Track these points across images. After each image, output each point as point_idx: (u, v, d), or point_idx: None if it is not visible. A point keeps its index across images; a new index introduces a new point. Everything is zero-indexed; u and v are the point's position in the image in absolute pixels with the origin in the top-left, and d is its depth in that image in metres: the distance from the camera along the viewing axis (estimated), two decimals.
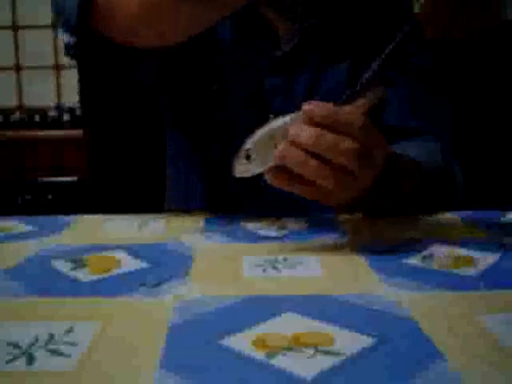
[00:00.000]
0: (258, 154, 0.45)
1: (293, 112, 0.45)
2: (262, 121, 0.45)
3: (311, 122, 0.43)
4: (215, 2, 0.54)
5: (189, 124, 0.77)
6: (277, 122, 0.45)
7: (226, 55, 0.72)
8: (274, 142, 0.44)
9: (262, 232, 0.55)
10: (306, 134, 0.42)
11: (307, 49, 0.72)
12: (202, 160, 0.77)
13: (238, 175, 0.46)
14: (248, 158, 0.45)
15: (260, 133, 0.45)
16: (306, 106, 0.43)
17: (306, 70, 0.72)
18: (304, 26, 0.71)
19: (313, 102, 0.43)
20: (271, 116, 0.46)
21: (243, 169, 0.46)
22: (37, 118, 2.61)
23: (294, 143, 0.42)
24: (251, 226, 0.58)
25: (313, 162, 0.42)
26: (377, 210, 0.59)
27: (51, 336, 0.31)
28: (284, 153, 0.43)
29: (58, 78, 2.75)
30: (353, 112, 0.44)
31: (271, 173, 0.44)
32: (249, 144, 0.45)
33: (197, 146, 0.76)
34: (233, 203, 0.75)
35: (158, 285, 0.39)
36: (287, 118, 0.45)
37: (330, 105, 0.43)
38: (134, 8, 0.54)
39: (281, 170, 0.44)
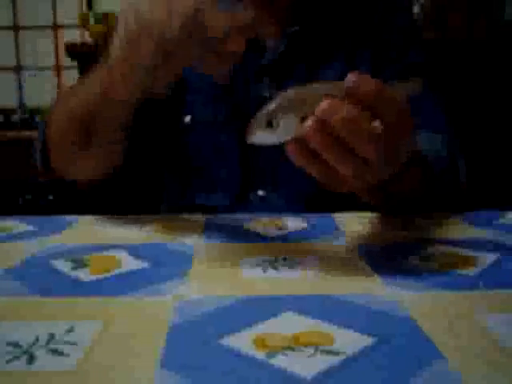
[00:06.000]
0: (282, 122, 0.39)
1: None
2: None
3: (352, 97, 0.38)
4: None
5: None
6: (305, 90, 0.40)
7: None
8: (301, 111, 0.39)
9: (262, 232, 0.55)
10: (338, 116, 0.37)
11: (294, 55, 0.71)
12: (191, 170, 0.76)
13: (253, 141, 0.41)
14: (270, 124, 0.39)
15: (285, 98, 0.39)
16: (350, 79, 0.38)
17: (294, 76, 0.72)
18: (289, 31, 0.71)
19: (357, 74, 0.39)
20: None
21: (262, 136, 0.40)
22: (37, 118, 2.61)
23: (323, 122, 0.38)
24: (251, 225, 0.58)
25: (337, 148, 0.38)
26: (383, 202, 0.58)
27: (52, 336, 0.31)
28: (311, 131, 0.38)
29: (58, 79, 2.75)
30: (395, 94, 0.40)
31: (294, 146, 0.39)
32: (272, 109, 0.39)
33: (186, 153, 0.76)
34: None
35: (158, 284, 0.39)
36: (318, 87, 0.40)
37: (374, 81, 0.39)
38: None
39: (301, 144, 0.39)
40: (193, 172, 0.75)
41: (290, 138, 0.39)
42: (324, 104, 0.38)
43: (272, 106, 0.39)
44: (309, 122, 0.38)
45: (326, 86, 0.40)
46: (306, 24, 0.71)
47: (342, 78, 0.39)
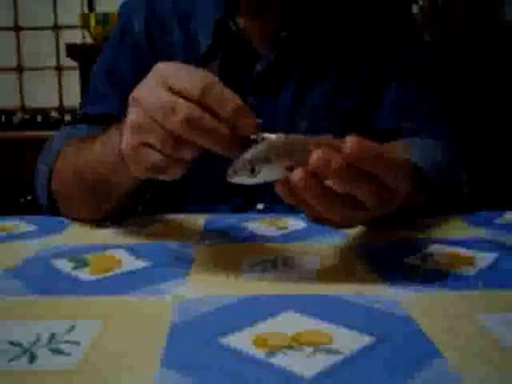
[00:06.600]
0: (264, 170, 0.38)
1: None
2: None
3: (350, 162, 0.36)
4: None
5: None
6: (291, 138, 0.39)
7: None
8: (286, 160, 0.38)
9: (262, 232, 0.55)
10: (331, 169, 0.36)
11: (287, 64, 0.71)
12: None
13: (234, 182, 0.40)
14: (253, 171, 0.38)
15: (270, 145, 0.38)
16: (349, 145, 0.36)
17: (288, 86, 0.71)
18: (278, 39, 0.70)
19: (356, 139, 0.36)
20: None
21: (243, 180, 0.39)
22: (38, 118, 2.61)
23: (313, 173, 0.36)
24: (251, 225, 0.58)
25: (325, 197, 0.37)
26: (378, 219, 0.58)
27: (52, 335, 0.31)
28: (302, 183, 0.36)
29: (59, 79, 2.75)
30: (396, 159, 0.39)
31: (282, 189, 0.38)
32: (255, 156, 0.38)
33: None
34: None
35: (158, 284, 0.40)
36: (304, 137, 0.38)
37: (373, 146, 0.36)
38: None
39: (289, 186, 0.38)
40: (193, 187, 0.74)
41: (272, 180, 0.38)
42: (315, 156, 0.36)
43: (256, 152, 0.38)
44: (298, 173, 0.36)
45: (313, 137, 0.38)
46: (294, 29, 0.71)
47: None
